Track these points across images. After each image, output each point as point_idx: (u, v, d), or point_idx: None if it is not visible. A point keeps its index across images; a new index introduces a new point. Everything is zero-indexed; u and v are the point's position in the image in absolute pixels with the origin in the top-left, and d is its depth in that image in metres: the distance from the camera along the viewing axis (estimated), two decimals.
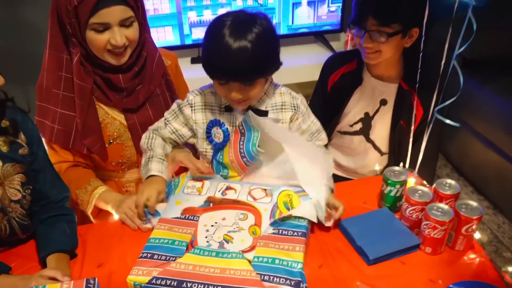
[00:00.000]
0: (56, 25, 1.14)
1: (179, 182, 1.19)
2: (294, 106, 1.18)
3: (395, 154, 1.50)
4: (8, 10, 2.18)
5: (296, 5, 2.43)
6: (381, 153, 1.53)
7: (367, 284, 0.95)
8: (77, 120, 1.19)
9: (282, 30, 2.47)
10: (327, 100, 1.52)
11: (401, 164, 1.31)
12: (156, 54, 1.27)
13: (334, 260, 1.00)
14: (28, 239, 1.06)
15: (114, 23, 1.09)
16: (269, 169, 1.18)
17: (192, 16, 2.32)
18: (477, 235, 1.02)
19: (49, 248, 1.00)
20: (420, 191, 1.06)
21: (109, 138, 1.26)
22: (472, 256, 1.02)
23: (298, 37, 2.57)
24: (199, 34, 2.36)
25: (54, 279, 0.91)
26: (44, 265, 0.99)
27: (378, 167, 1.51)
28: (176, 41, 2.35)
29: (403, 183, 1.11)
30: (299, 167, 1.12)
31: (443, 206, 1.00)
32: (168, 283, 0.90)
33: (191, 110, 1.18)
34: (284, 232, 1.02)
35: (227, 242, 1.00)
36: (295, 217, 1.05)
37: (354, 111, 1.49)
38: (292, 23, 2.48)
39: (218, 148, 1.18)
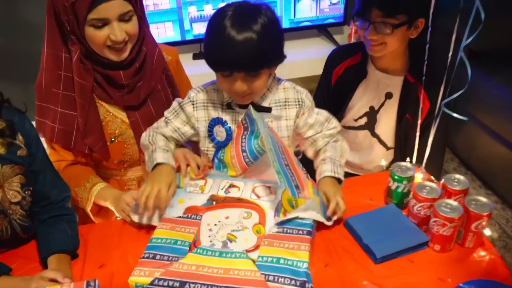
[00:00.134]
0: (53, 23, 1.12)
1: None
2: (299, 101, 1.16)
3: (401, 149, 1.49)
4: (8, 7, 2.17)
5: None
6: (387, 148, 1.52)
7: (375, 283, 0.93)
8: (78, 119, 1.18)
9: (284, 24, 2.45)
10: (331, 94, 1.51)
11: (408, 159, 1.29)
12: (156, 49, 1.26)
13: (340, 259, 0.99)
14: (29, 239, 1.06)
15: (113, 18, 1.08)
16: (269, 166, 1.15)
17: (193, 11, 2.30)
18: (487, 232, 1.00)
19: (49, 248, 0.99)
20: (428, 187, 1.04)
21: (110, 137, 1.25)
22: (482, 253, 1.00)
23: (300, 31, 2.55)
24: (200, 29, 2.34)
25: (54, 280, 0.90)
26: (45, 266, 0.98)
27: (384, 163, 1.50)
28: (177, 37, 2.34)
29: (411, 179, 1.09)
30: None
31: (452, 202, 0.98)
32: (170, 284, 0.88)
33: (193, 107, 1.16)
34: (289, 230, 1.00)
35: (231, 241, 0.99)
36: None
37: (358, 105, 1.48)
38: (294, 16, 2.45)
39: (220, 146, 1.17)
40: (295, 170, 1.07)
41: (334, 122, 1.22)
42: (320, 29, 2.62)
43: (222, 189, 1.13)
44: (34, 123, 1.11)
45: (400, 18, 1.24)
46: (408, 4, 1.23)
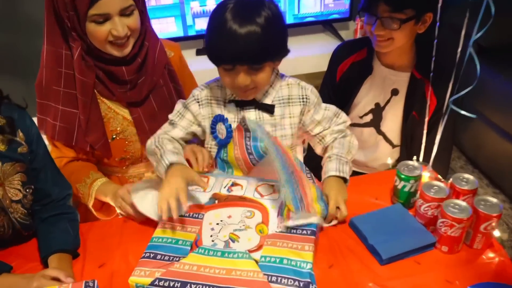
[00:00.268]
0: (53, 20, 1.11)
1: None
2: (303, 98, 1.14)
3: (407, 146, 1.47)
4: (9, 3, 2.16)
5: None
6: (393, 146, 1.51)
7: (380, 285, 0.91)
8: (80, 117, 1.17)
9: (288, 20, 2.42)
10: (336, 90, 1.50)
11: (415, 157, 1.27)
12: (158, 44, 1.24)
13: (345, 260, 0.97)
14: (31, 237, 1.05)
15: (114, 13, 1.06)
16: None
17: (195, 6, 2.27)
18: (496, 233, 0.99)
19: (50, 248, 0.99)
20: (436, 187, 1.02)
21: (112, 133, 1.24)
22: (491, 255, 0.98)
23: (305, 27, 2.52)
24: (202, 24, 2.32)
25: (56, 279, 0.89)
26: (45, 265, 0.97)
27: (390, 161, 1.49)
28: (179, 33, 2.32)
29: (418, 178, 1.08)
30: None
31: (461, 202, 0.96)
32: (171, 285, 0.87)
33: (199, 105, 1.14)
34: (292, 230, 0.98)
35: (233, 241, 0.97)
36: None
37: (364, 101, 1.46)
38: (298, 12, 2.43)
39: (221, 145, 1.15)
40: (300, 177, 1.04)
41: (343, 116, 1.20)
42: (325, 24, 2.59)
43: (224, 187, 1.11)
44: (35, 119, 1.11)
45: (407, 12, 1.22)
46: None
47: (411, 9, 1.21)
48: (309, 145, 1.30)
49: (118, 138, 1.24)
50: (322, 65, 1.64)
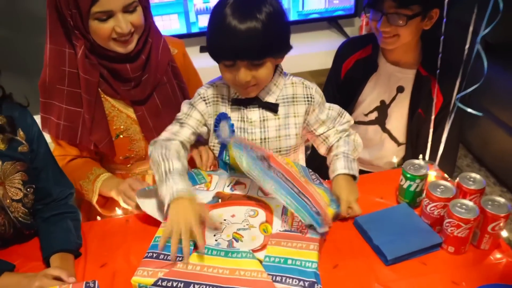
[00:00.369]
0: (55, 19, 1.11)
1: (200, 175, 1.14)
2: (308, 98, 1.13)
3: (413, 145, 1.46)
4: (9, 1, 2.15)
5: None
6: (398, 144, 1.50)
7: (385, 286, 0.90)
8: (85, 116, 1.17)
9: (292, 16, 2.40)
10: (341, 88, 1.49)
11: (421, 156, 1.26)
12: (161, 41, 1.24)
13: (350, 260, 0.96)
14: (33, 236, 1.05)
15: (117, 10, 1.05)
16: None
17: (198, 3, 2.26)
18: (504, 233, 0.97)
19: (52, 247, 0.98)
20: (442, 186, 1.00)
21: (115, 132, 1.23)
22: (499, 256, 0.97)
23: (310, 24, 2.50)
24: (206, 21, 2.28)
25: (58, 278, 0.89)
26: (47, 265, 0.97)
27: (395, 159, 1.47)
28: (182, 30, 2.30)
29: (424, 177, 1.06)
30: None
31: (468, 202, 0.95)
32: (174, 285, 0.86)
33: (205, 104, 1.13)
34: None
35: (237, 240, 0.96)
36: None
37: (369, 99, 1.45)
38: (303, 8, 2.41)
39: (223, 144, 1.14)
40: (308, 192, 1.01)
41: (346, 116, 1.19)
42: (330, 21, 2.57)
43: (228, 186, 1.11)
44: (38, 117, 1.10)
45: (414, 8, 1.20)
46: None
47: (418, 5, 1.20)
48: (312, 145, 1.29)
49: (121, 136, 1.24)
50: (327, 63, 1.62)
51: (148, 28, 1.17)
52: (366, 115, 1.47)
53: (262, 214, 1.02)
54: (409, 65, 1.38)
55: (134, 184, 1.12)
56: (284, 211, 1.02)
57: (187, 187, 0.97)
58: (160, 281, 0.87)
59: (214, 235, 0.97)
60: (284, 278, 0.87)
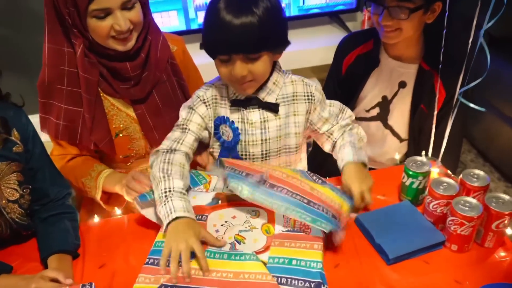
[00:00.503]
0: (53, 17, 1.09)
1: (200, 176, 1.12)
2: (309, 96, 1.11)
3: (415, 141, 1.45)
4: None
5: None
6: (400, 140, 1.48)
7: (387, 285, 0.89)
8: (86, 115, 1.16)
9: (292, 11, 2.38)
10: (342, 84, 1.48)
11: (423, 152, 1.25)
12: (160, 38, 1.22)
13: (351, 260, 0.95)
14: (30, 237, 1.04)
15: (116, 7, 1.04)
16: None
17: None
18: (508, 231, 0.96)
19: (50, 248, 0.97)
20: (445, 183, 0.99)
21: (115, 131, 1.23)
22: (503, 254, 0.95)
23: (311, 19, 2.48)
24: None
25: (55, 280, 0.88)
26: (45, 266, 0.96)
27: (398, 156, 1.46)
28: (182, 26, 2.29)
29: (426, 174, 1.04)
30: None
31: (471, 200, 0.93)
32: None
33: (206, 106, 1.10)
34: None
35: (239, 242, 0.95)
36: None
37: (371, 95, 1.44)
38: (303, 3, 2.39)
39: (228, 147, 1.12)
40: (317, 198, 0.98)
41: (348, 111, 1.19)
42: (332, 16, 2.55)
43: (227, 186, 1.08)
44: (36, 117, 1.09)
45: (416, 1, 1.19)
46: None
47: None
48: (314, 141, 1.28)
49: (121, 135, 1.23)
50: (329, 58, 1.61)
51: (147, 25, 1.15)
52: (368, 111, 1.46)
53: (263, 214, 1.00)
54: (411, 59, 1.36)
55: (137, 176, 1.11)
56: None
57: (186, 211, 0.93)
58: (163, 287, 0.85)
59: (216, 238, 0.95)
60: (289, 279, 0.86)
